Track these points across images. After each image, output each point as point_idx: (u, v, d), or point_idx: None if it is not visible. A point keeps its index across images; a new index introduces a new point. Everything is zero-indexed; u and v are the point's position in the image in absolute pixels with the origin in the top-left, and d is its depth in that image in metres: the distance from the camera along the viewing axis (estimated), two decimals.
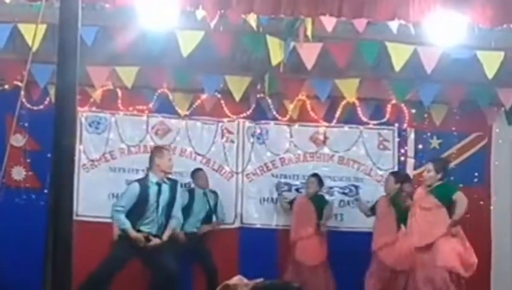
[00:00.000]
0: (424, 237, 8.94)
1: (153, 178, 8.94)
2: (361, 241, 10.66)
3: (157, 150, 9.31)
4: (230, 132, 11.32)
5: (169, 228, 9.02)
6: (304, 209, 10.86)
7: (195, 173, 10.80)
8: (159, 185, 8.91)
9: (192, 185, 10.81)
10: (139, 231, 8.80)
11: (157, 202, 8.86)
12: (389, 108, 11.22)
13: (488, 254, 11.18)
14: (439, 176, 9.11)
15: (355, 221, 11.18)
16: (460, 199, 8.89)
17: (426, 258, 8.88)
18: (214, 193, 10.84)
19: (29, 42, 7.70)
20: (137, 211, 8.81)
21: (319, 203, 10.88)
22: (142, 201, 8.81)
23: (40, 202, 9.88)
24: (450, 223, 8.78)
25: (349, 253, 10.49)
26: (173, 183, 9.14)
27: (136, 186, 8.91)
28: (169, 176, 9.18)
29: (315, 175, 11.06)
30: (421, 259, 8.98)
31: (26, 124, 10.25)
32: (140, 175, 10.02)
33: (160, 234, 8.91)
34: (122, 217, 8.78)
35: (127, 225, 8.75)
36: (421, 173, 9.56)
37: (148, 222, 8.85)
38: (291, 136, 11.44)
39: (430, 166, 9.23)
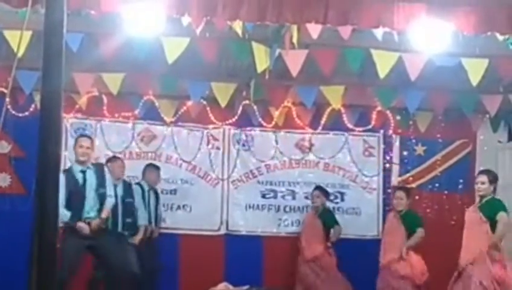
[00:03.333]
0: (468, 253, 8.67)
1: (77, 167, 8.75)
2: (348, 247, 10.70)
3: (76, 139, 9.11)
4: (215, 139, 11.34)
5: (106, 208, 8.79)
6: (312, 227, 10.86)
7: (149, 168, 10.61)
8: (83, 172, 8.72)
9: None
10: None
11: (85, 188, 8.66)
12: (374, 115, 11.26)
13: None
14: (492, 187, 8.86)
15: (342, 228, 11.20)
16: (501, 220, 8.61)
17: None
18: (156, 192, 10.63)
19: (15, 49, 7.66)
20: (74, 201, 8.57)
21: (328, 221, 10.82)
22: (72, 190, 8.59)
23: (25, 209, 9.81)
24: (490, 245, 8.53)
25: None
26: (99, 167, 8.96)
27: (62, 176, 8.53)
28: (94, 162, 9.05)
29: (318, 188, 11.05)
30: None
31: (11, 131, 10.20)
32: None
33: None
34: (62, 210, 8.41)
35: (68, 216, 8.51)
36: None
37: (88, 210, 8.63)
38: (276, 142, 11.47)
39: (484, 178, 8.98)
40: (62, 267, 8.46)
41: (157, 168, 10.69)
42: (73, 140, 9.23)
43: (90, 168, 8.83)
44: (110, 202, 8.90)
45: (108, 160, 10.15)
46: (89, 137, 9.34)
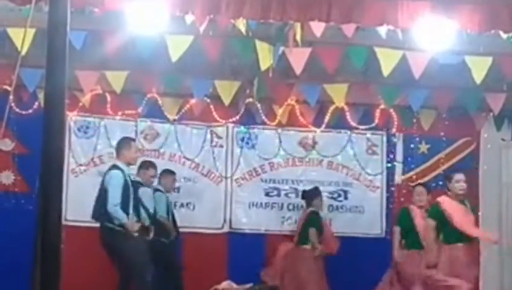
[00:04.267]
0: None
1: (125, 168, 8.84)
2: (350, 246, 10.69)
3: (125, 142, 9.16)
4: (219, 137, 11.33)
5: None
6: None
7: (164, 173, 10.59)
8: (129, 175, 8.89)
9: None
10: None
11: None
12: (377, 113, 11.24)
13: (476, 259, 11.20)
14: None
15: (344, 226, 11.20)
16: None
17: None
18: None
19: (18, 46, 7.69)
20: (123, 201, 8.67)
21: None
22: (125, 189, 8.69)
23: (29, 207, 9.86)
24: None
25: (338, 258, 10.53)
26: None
27: (120, 174, 8.71)
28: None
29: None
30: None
31: (14, 128, 10.23)
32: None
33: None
34: (121, 212, 8.57)
35: (125, 218, 8.59)
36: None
37: (131, 212, 8.73)
38: (280, 140, 11.45)
39: (462, 176, 9.21)
40: (142, 270, 8.64)
41: (173, 173, 10.71)
42: (123, 142, 9.21)
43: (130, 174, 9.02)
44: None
45: (141, 166, 10.16)
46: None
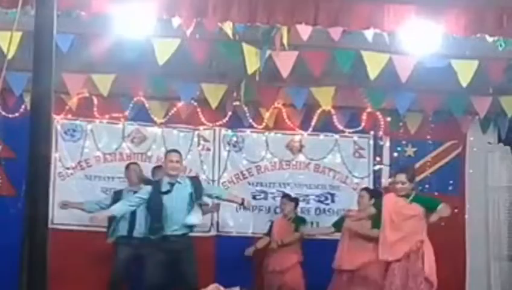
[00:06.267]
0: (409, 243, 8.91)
1: (166, 179, 9.37)
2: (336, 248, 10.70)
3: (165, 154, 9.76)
4: (206, 140, 11.32)
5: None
6: (286, 232, 10.78)
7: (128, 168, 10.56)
8: (171, 184, 9.26)
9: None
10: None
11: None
12: (364, 116, 11.25)
13: (462, 263, 11.25)
14: (412, 185, 9.09)
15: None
16: (445, 207, 8.90)
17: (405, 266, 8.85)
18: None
19: (5, 50, 7.66)
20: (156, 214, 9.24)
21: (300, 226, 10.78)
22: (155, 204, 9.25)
23: (15, 210, 9.82)
24: (432, 218, 8.80)
25: (324, 261, 10.53)
26: (195, 179, 9.69)
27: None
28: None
29: (286, 196, 10.98)
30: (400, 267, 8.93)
31: (1, 132, 10.19)
32: (116, 183, 10.00)
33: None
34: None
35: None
36: (394, 185, 9.36)
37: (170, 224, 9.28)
38: (267, 144, 11.45)
39: (401, 177, 9.17)
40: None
41: (135, 163, 10.68)
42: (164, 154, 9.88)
43: (180, 182, 9.29)
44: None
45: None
46: (178, 151, 9.64)
